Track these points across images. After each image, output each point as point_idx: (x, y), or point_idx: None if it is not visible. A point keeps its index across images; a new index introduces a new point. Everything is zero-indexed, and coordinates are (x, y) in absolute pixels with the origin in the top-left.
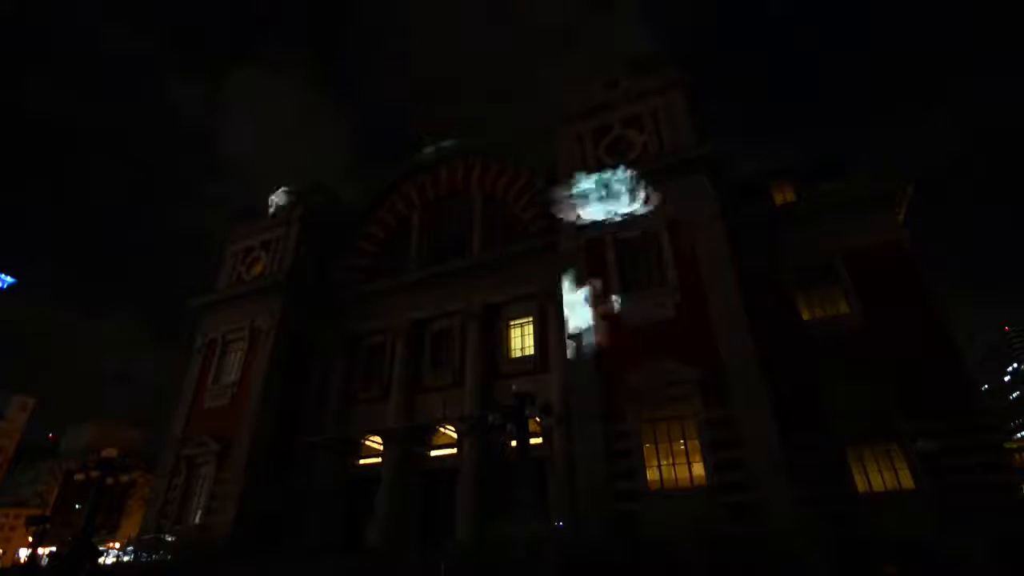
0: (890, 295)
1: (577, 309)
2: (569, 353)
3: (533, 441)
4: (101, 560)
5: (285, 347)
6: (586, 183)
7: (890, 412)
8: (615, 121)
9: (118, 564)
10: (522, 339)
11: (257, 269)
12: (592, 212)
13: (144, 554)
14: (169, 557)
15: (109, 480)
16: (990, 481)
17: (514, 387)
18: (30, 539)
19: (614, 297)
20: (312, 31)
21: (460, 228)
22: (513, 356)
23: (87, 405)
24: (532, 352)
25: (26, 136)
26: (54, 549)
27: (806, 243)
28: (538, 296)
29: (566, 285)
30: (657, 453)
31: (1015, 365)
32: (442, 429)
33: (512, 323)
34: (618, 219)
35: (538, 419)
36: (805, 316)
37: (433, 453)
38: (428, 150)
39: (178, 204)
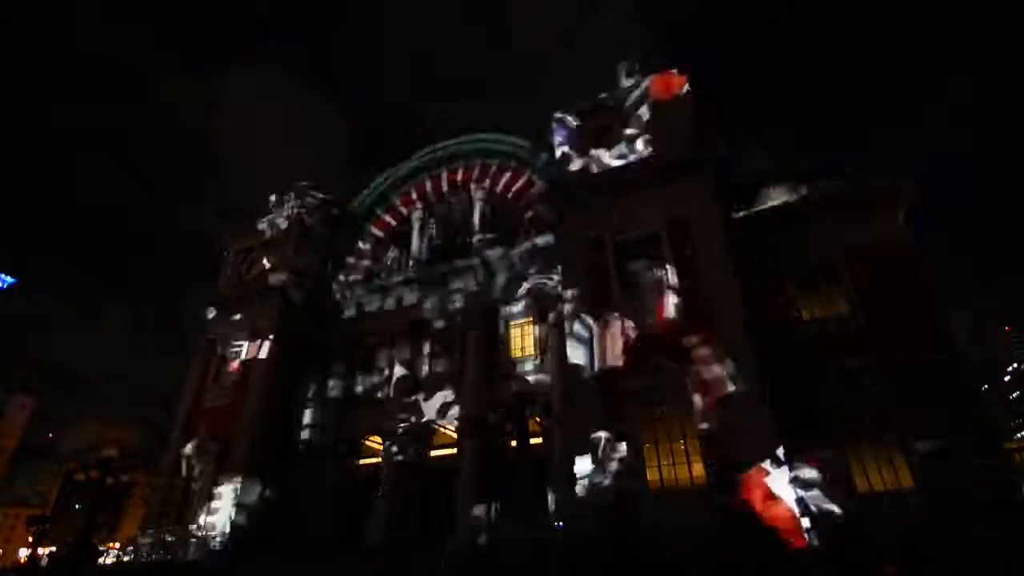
0: (890, 295)
1: (577, 309)
2: (569, 353)
3: (533, 441)
4: (101, 560)
5: (285, 347)
6: (586, 184)
7: (890, 412)
8: (615, 121)
9: (118, 564)
10: (522, 339)
11: (257, 269)
12: (592, 212)
13: (144, 554)
14: (169, 557)
15: (109, 480)
16: (990, 481)
17: (514, 387)
18: (30, 539)
19: (614, 297)
20: (312, 31)
21: (460, 228)
22: (513, 356)
23: (87, 405)
24: (532, 352)
25: (25, 136)
26: (54, 549)
27: (806, 243)
28: (538, 296)
29: (566, 285)
30: (657, 453)
31: (1015, 365)
32: (442, 429)
33: (512, 323)
34: (618, 219)
35: (538, 419)
36: (805, 316)
37: (433, 453)
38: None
39: (177, 204)
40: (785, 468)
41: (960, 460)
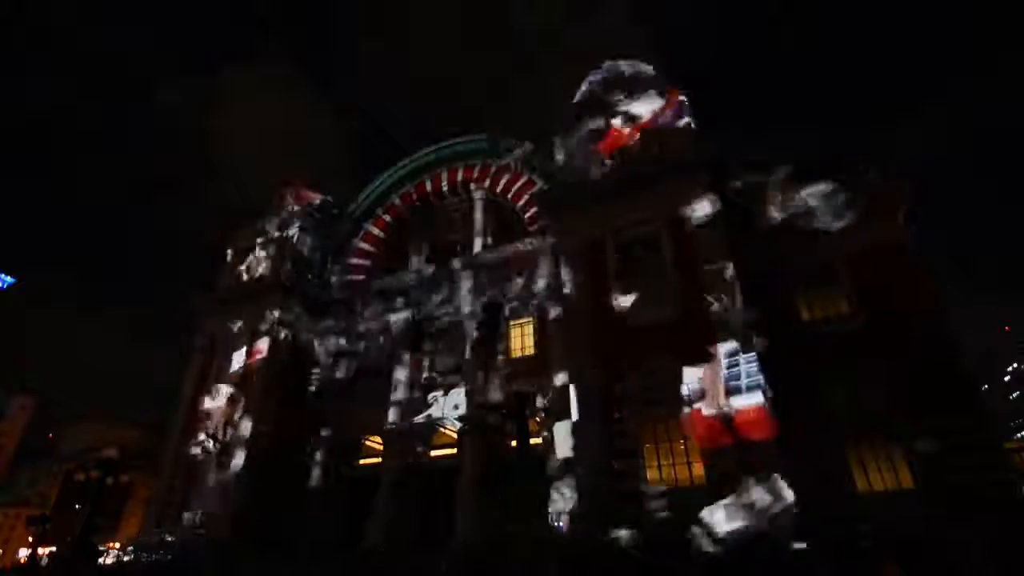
0: (890, 295)
1: (577, 309)
2: (569, 353)
3: (533, 441)
4: (101, 560)
5: (285, 347)
6: (585, 183)
7: (890, 412)
8: (615, 122)
9: (118, 564)
10: (522, 339)
11: (257, 269)
12: (592, 212)
13: (144, 554)
14: (169, 557)
15: (109, 480)
16: (990, 481)
17: (514, 387)
18: (30, 539)
19: (614, 297)
20: (312, 31)
21: (460, 227)
22: (513, 356)
23: (87, 405)
24: (532, 352)
25: (25, 136)
26: (54, 549)
27: (806, 243)
28: (538, 296)
29: (566, 285)
30: (657, 453)
31: (1015, 365)
32: (442, 429)
33: (512, 323)
34: (618, 220)
35: (538, 419)
36: (804, 316)
37: (433, 453)
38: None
39: (177, 204)
40: (785, 467)
41: (960, 460)
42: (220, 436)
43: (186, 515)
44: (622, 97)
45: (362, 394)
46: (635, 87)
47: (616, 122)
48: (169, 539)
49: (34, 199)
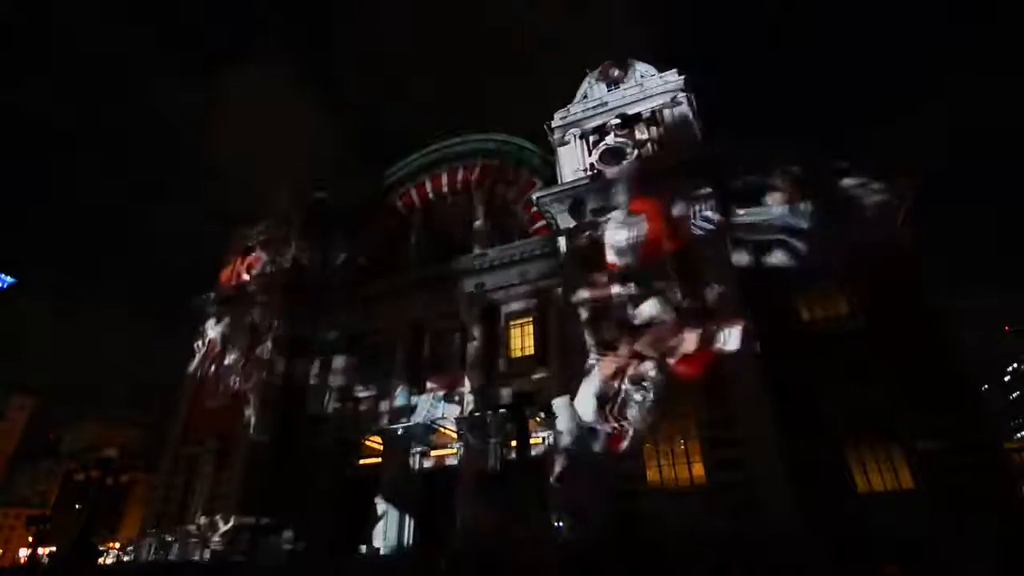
0: (890, 295)
1: (577, 309)
2: (569, 353)
3: (533, 441)
4: (101, 560)
5: (285, 346)
6: (586, 184)
7: (890, 412)
8: (615, 122)
9: (118, 564)
10: (522, 339)
11: (257, 269)
12: (592, 213)
13: (144, 554)
14: (169, 557)
15: (109, 480)
16: (990, 481)
17: (514, 387)
18: (30, 539)
19: (614, 297)
20: (312, 31)
21: (460, 228)
22: (513, 356)
23: (87, 405)
24: (532, 352)
25: (26, 137)
26: (54, 549)
27: (806, 243)
28: (538, 296)
29: (566, 285)
30: (657, 453)
31: (1015, 365)
32: (442, 429)
33: (512, 323)
34: (618, 219)
35: (538, 419)
36: (805, 316)
37: (433, 453)
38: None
39: (177, 204)
40: (785, 467)
41: (960, 460)
42: (220, 435)
43: (186, 515)
44: (621, 97)
45: (362, 394)
46: (635, 87)
47: (615, 122)
48: (169, 539)
49: (34, 199)
